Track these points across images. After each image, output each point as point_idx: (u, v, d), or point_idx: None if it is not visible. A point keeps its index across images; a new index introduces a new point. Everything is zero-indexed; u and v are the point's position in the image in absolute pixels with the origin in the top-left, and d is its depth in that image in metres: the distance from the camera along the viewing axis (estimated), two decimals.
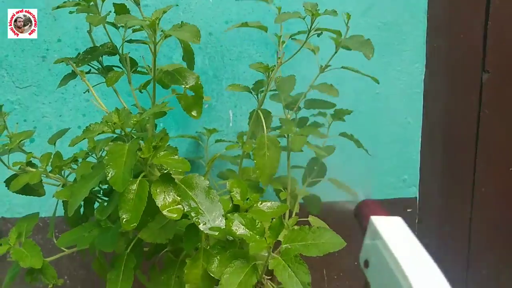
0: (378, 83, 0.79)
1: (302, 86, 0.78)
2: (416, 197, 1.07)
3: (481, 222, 1.21)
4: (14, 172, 0.66)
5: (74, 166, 0.69)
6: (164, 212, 0.47)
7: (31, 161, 0.66)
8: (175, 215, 0.47)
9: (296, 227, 0.55)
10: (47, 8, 0.91)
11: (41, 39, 0.93)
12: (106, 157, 0.45)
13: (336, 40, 0.72)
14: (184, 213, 0.50)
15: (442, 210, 1.16)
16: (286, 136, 0.70)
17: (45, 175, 0.64)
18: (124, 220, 0.45)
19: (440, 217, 1.16)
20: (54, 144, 0.71)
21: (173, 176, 0.50)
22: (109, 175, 0.44)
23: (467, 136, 1.16)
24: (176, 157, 0.49)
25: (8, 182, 0.65)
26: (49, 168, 0.67)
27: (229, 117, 0.99)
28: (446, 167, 1.14)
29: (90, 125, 0.51)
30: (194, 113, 0.55)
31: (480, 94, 1.16)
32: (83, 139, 0.50)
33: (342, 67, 0.78)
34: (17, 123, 0.80)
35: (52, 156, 0.65)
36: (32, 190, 0.67)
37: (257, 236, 0.49)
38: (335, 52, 0.73)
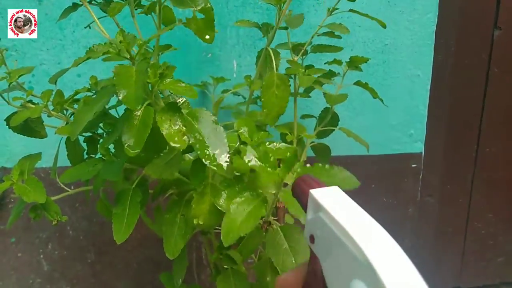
0: (385, 27, 0.76)
1: (308, 34, 0.75)
2: (421, 153, 1.06)
3: (483, 182, 1.22)
4: (15, 111, 0.64)
5: (75, 106, 0.67)
6: (171, 142, 0.45)
7: (31, 100, 0.64)
8: (180, 145, 0.45)
9: (308, 165, 0.53)
10: None
11: None
12: (115, 79, 0.43)
13: None
14: (189, 147, 0.48)
15: (445, 167, 1.15)
16: (293, 77, 0.67)
17: (46, 113, 0.62)
18: (127, 145, 0.44)
19: (443, 174, 1.16)
20: (55, 83, 0.68)
21: (179, 106, 0.48)
22: (121, 95, 0.42)
23: (475, 93, 1.14)
24: (183, 84, 0.47)
25: (8, 120, 0.63)
26: (51, 108, 0.66)
27: (233, 67, 0.96)
28: (452, 124, 1.12)
29: (93, 46, 0.49)
30: (207, 36, 0.52)
31: (490, 51, 1.13)
32: (87, 59, 0.48)
33: (350, 10, 0.74)
34: (16, 60, 0.77)
35: (53, 94, 0.62)
36: (33, 130, 0.66)
37: (269, 169, 0.48)
38: None
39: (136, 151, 0.43)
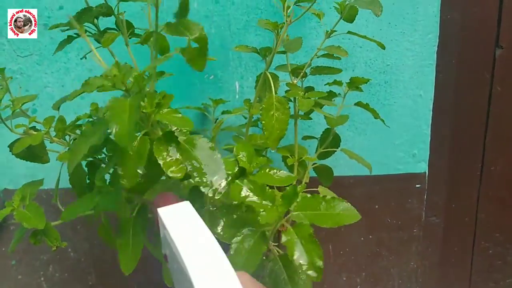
0: (384, 48, 0.76)
1: (309, 56, 0.75)
2: (425, 173, 1.05)
3: (489, 201, 1.20)
4: (18, 137, 0.64)
5: (78, 131, 0.67)
6: (168, 172, 0.45)
7: (34, 126, 0.65)
8: (179, 175, 0.45)
9: (308, 195, 0.53)
10: None
11: (43, 6, 0.90)
12: (108, 113, 0.43)
13: (341, 4, 0.69)
14: (187, 175, 0.48)
15: (450, 186, 1.14)
16: (292, 100, 0.67)
17: (48, 139, 0.62)
18: (124, 180, 0.44)
19: (448, 194, 1.15)
20: (58, 109, 0.69)
21: (176, 134, 0.48)
22: (113, 130, 0.42)
23: (478, 112, 1.13)
24: (179, 115, 0.47)
25: (11, 146, 0.63)
26: (53, 134, 0.66)
27: (236, 88, 0.97)
28: (456, 143, 1.11)
29: (89, 79, 0.49)
30: (198, 65, 0.52)
31: (492, 70, 1.13)
32: (82, 92, 0.48)
33: (348, 32, 0.75)
34: (20, 87, 0.78)
35: (55, 120, 0.63)
36: (35, 156, 0.66)
37: (268, 204, 0.47)
38: (341, 17, 0.70)
39: (132, 183, 0.43)
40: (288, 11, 0.62)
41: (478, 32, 1.08)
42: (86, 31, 0.61)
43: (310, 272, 0.45)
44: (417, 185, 1.06)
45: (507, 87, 1.14)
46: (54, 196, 0.65)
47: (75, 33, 0.61)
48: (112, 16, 0.62)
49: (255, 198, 0.48)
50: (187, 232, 0.25)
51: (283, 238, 0.51)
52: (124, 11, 0.61)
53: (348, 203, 0.50)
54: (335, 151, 0.77)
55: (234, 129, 0.82)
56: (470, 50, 1.08)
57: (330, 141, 0.76)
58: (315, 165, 0.77)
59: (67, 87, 0.95)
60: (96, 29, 0.64)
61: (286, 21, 0.61)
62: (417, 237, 1.11)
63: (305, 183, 0.75)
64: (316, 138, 0.80)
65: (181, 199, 0.30)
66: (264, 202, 0.47)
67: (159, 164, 0.48)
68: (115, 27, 0.64)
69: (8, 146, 0.66)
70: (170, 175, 0.45)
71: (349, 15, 0.65)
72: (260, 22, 0.63)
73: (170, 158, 0.46)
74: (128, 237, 0.60)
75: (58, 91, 0.94)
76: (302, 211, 0.51)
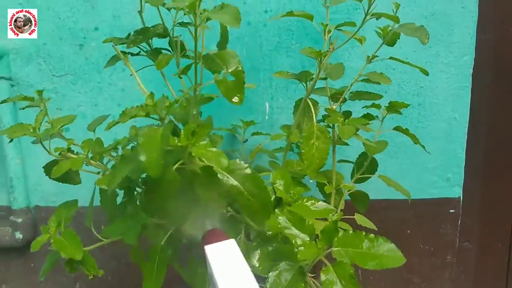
0: (427, 75, 0.74)
1: (346, 78, 0.74)
2: (459, 197, 1.02)
3: None
4: (53, 159, 0.65)
5: (114, 154, 0.67)
6: (209, 202, 0.44)
7: (70, 147, 0.65)
8: (219, 205, 0.44)
9: (349, 231, 0.51)
10: None
11: (79, 27, 0.92)
12: (140, 141, 0.43)
13: (384, 29, 0.68)
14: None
15: (484, 211, 1.10)
16: (331, 127, 0.66)
17: (86, 162, 0.62)
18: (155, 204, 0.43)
19: (482, 219, 1.10)
20: (94, 130, 0.69)
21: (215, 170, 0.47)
22: (143, 159, 0.42)
23: None
24: (214, 149, 0.46)
25: (47, 168, 0.64)
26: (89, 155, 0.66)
27: (265, 109, 0.96)
28: (490, 167, 1.07)
29: (126, 109, 0.49)
30: (235, 99, 0.51)
31: None
32: (118, 123, 0.48)
33: (390, 58, 0.73)
34: (57, 109, 0.79)
35: (93, 142, 0.63)
36: (69, 177, 0.66)
37: (307, 239, 0.46)
38: (384, 41, 0.69)
39: (164, 211, 0.43)
40: (330, 36, 0.61)
41: None
42: (139, 49, 0.61)
43: None
44: (451, 210, 1.02)
45: None
46: (87, 219, 0.64)
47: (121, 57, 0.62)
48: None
49: (293, 231, 0.46)
50: (230, 275, 0.26)
51: (322, 277, 0.49)
52: (180, 35, 0.62)
53: (393, 244, 0.47)
54: (372, 177, 0.75)
55: (268, 152, 0.80)
56: (505, 71, 1.04)
57: (366, 167, 0.74)
58: (351, 191, 0.75)
59: (100, 106, 0.96)
60: (148, 47, 0.64)
61: (330, 48, 0.60)
62: (450, 263, 1.07)
63: (341, 210, 0.73)
64: (352, 163, 0.78)
65: (228, 236, 0.30)
66: (302, 235, 0.46)
67: (194, 194, 0.47)
68: (168, 47, 0.64)
69: (44, 168, 0.66)
70: (213, 204, 0.44)
71: (391, 40, 0.64)
72: (304, 50, 0.62)
73: (211, 193, 0.45)
74: (154, 263, 0.59)
75: (91, 110, 0.96)
76: (343, 248, 0.49)
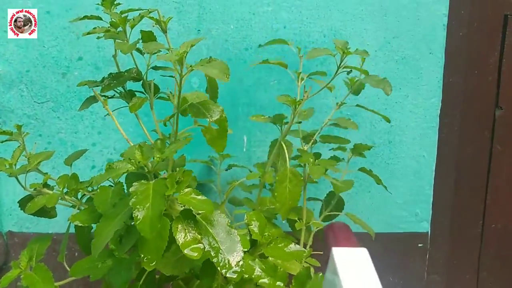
0: (389, 122, 0.80)
1: (317, 120, 0.78)
2: (427, 232, 1.06)
3: (490, 259, 1.20)
4: (28, 193, 0.65)
5: (89, 188, 0.68)
6: (185, 251, 0.46)
7: (47, 182, 0.66)
8: (195, 254, 0.46)
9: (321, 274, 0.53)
10: (72, 26, 0.92)
11: (63, 56, 0.94)
12: (133, 199, 0.44)
13: (351, 80, 0.73)
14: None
15: (452, 245, 1.14)
16: (303, 166, 0.69)
17: (61, 198, 0.63)
18: (145, 259, 0.44)
19: (450, 252, 1.15)
20: (70, 165, 0.70)
21: (194, 213, 0.49)
22: (137, 219, 0.43)
23: (479, 171, 1.15)
24: (200, 197, 0.48)
25: (22, 203, 0.64)
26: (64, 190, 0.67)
27: (243, 142, 0.99)
28: (457, 202, 1.13)
29: (113, 163, 0.51)
30: (218, 147, 0.54)
31: (492, 130, 1.16)
32: (107, 179, 0.50)
33: (357, 105, 0.78)
34: (35, 143, 0.80)
35: (68, 178, 0.64)
36: (44, 212, 0.67)
37: (280, 286, 0.48)
38: (350, 92, 0.74)
39: (154, 264, 0.44)
40: (302, 84, 0.65)
41: (479, 94, 1.12)
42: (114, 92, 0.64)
43: None
44: (419, 244, 1.06)
45: (507, 146, 1.16)
46: (60, 255, 0.65)
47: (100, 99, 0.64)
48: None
49: (266, 280, 0.48)
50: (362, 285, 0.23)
51: None
52: (153, 79, 0.64)
53: None
54: (339, 214, 0.78)
55: (243, 187, 0.83)
56: (471, 111, 1.11)
57: (334, 205, 0.77)
58: (319, 228, 0.78)
59: (80, 133, 0.96)
60: (123, 89, 0.66)
61: (304, 96, 0.64)
62: None
63: (310, 246, 0.75)
64: (320, 200, 0.81)
65: (354, 237, 0.27)
66: (277, 283, 0.48)
67: (173, 240, 0.48)
68: (142, 89, 0.66)
69: (18, 203, 0.67)
70: (187, 254, 0.46)
71: (357, 89, 0.68)
72: (280, 98, 0.66)
73: (188, 238, 0.47)
74: None
75: (71, 137, 0.96)
76: None
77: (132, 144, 0.59)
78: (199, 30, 0.94)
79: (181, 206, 0.50)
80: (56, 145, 0.96)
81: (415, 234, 1.05)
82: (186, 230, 0.47)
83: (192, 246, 0.46)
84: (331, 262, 0.26)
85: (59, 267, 0.68)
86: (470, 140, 1.12)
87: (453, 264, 1.17)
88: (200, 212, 0.48)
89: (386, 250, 1.04)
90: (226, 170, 0.92)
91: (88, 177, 0.94)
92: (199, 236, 0.47)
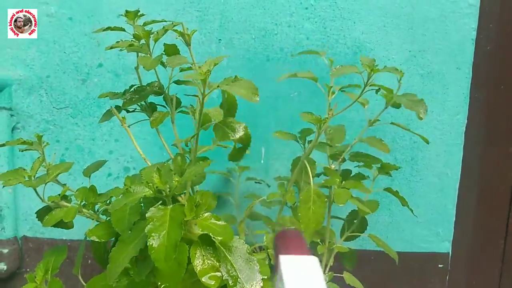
0: (428, 143, 0.77)
1: (347, 137, 0.76)
2: (448, 253, 1.02)
3: (511, 280, 1.15)
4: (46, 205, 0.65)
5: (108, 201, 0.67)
6: (203, 279, 0.44)
7: (65, 194, 0.65)
8: (213, 283, 0.44)
9: None
10: (92, 34, 0.92)
11: (83, 63, 0.94)
12: (149, 226, 0.43)
13: (387, 96, 0.70)
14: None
15: (472, 265, 1.10)
16: (328, 187, 0.67)
17: (78, 211, 0.62)
18: (162, 286, 0.43)
19: (470, 272, 1.11)
20: (89, 176, 0.70)
21: (212, 238, 0.47)
22: (151, 248, 0.41)
23: (502, 191, 1.11)
24: (219, 222, 0.47)
25: (40, 215, 0.64)
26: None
27: (261, 154, 0.97)
28: (479, 222, 1.08)
29: (131, 187, 0.50)
30: (236, 160, 0.52)
31: None
32: (124, 203, 0.48)
33: (392, 123, 0.76)
34: (54, 153, 0.79)
35: (87, 191, 0.63)
36: (61, 224, 0.66)
37: None
38: (385, 108, 0.71)
39: None
40: (332, 97, 0.63)
41: (505, 110, 1.07)
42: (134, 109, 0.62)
43: None
44: (439, 265, 1.02)
45: None
46: (75, 268, 0.64)
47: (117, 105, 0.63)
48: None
49: None
50: None
51: None
52: (176, 93, 0.63)
53: None
54: (361, 235, 0.76)
55: (262, 202, 0.81)
56: (497, 128, 1.07)
57: (357, 225, 0.74)
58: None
59: (97, 140, 0.96)
60: (144, 103, 0.65)
61: (329, 114, 0.61)
62: None
63: (330, 266, 0.73)
64: (343, 219, 0.78)
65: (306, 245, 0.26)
66: None
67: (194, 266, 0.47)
68: (163, 102, 0.65)
69: (36, 214, 0.66)
70: (205, 282, 0.44)
71: (395, 104, 0.66)
72: (304, 116, 0.64)
73: (207, 265, 0.45)
74: None
75: (88, 144, 0.96)
76: None
77: (150, 164, 0.57)
78: (220, 40, 0.92)
79: (200, 230, 0.48)
80: (73, 152, 0.96)
81: (436, 254, 1.01)
82: (204, 257, 0.45)
83: (210, 274, 0.45)
84: (278, 270, 0.24)
85: (72, 275, 0.68)
86: (494, 158, 1.08)
87: (473, 285, 1.13)
88: (219, 238, 0.46)
89: (406, 270, 1.01)
90: (257, 183, 0.90)
91: (105, 185, 0.95)
92: (217, 264, 0.45)
